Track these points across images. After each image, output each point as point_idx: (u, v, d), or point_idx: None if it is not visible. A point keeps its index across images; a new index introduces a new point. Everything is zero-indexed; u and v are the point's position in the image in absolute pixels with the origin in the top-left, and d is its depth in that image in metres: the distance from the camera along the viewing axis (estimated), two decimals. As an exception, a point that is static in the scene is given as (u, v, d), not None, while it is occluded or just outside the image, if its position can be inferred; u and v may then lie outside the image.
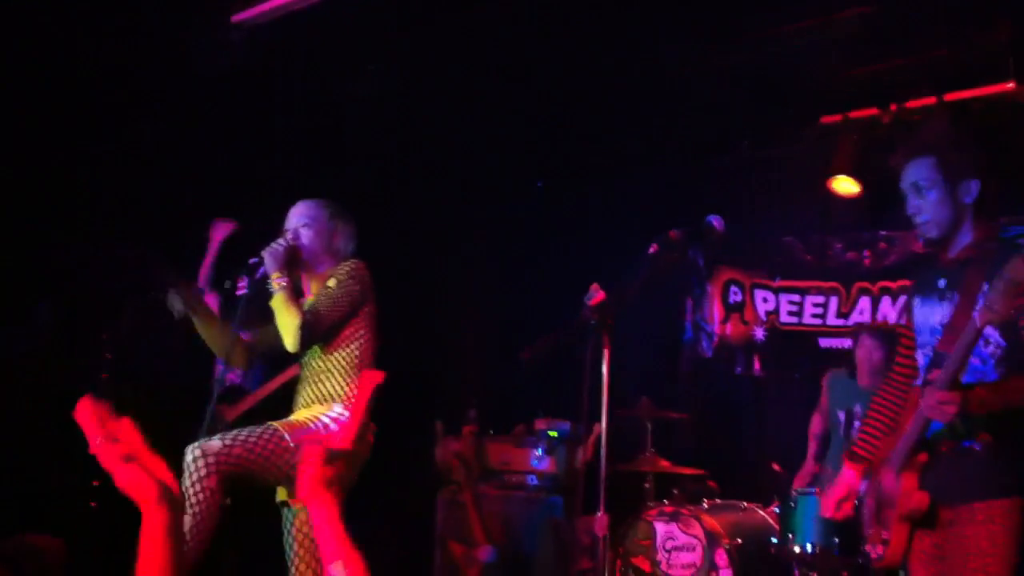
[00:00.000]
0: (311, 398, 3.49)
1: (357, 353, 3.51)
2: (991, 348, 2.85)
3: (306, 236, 3.58)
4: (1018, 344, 2.82)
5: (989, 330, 2.81)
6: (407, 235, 6.12)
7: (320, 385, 3.49)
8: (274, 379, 5.01)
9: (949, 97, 5.55)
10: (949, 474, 2.87)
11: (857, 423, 4.99)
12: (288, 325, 3.38)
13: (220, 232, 5.17)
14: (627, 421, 5.38)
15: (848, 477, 3.16)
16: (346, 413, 3.40)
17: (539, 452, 5.95)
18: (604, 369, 2.81)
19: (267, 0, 4.21)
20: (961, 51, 5.25)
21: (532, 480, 5.94)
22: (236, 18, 4.38)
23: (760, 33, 5.20)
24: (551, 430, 6.05)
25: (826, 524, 4.53)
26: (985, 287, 2.79)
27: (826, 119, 6.02)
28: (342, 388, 3.46)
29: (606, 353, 2.78)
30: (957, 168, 2.92)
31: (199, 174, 5.45)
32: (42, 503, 4.85)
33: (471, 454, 6.01)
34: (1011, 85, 5.30)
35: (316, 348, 3.51)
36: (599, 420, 3.11)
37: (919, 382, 2.97)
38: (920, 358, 3.02)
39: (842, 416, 5.20)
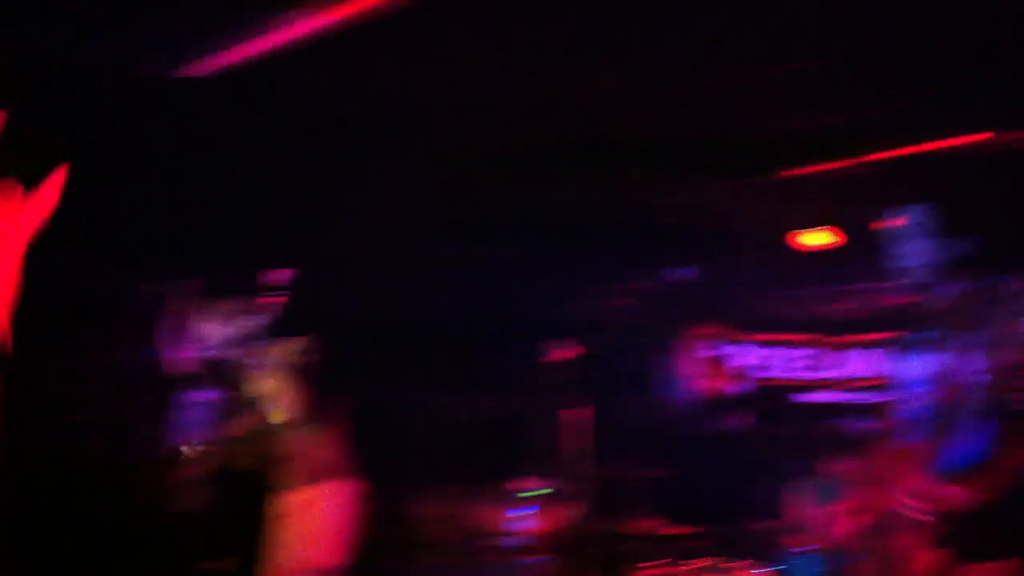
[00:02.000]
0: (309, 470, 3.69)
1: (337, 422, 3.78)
2: None
3: None
4: None
5: None
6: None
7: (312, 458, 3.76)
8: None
9: (913, 149, 5.61)
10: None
11: None
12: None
13: None
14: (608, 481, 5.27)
15: None
16: None
17: (515, 513, 5.80)
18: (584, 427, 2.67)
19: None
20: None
21: (509, 542, 5.78)
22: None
23: (718, 80, 5.17)
24: (526, 490, 5.91)
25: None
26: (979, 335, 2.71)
27: (790, 171, 6.03)
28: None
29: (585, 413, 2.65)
30: (952, 220, 2.90)
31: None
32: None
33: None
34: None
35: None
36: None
37: (911, 436, 2.85)
38: (901, 411, 2.92)
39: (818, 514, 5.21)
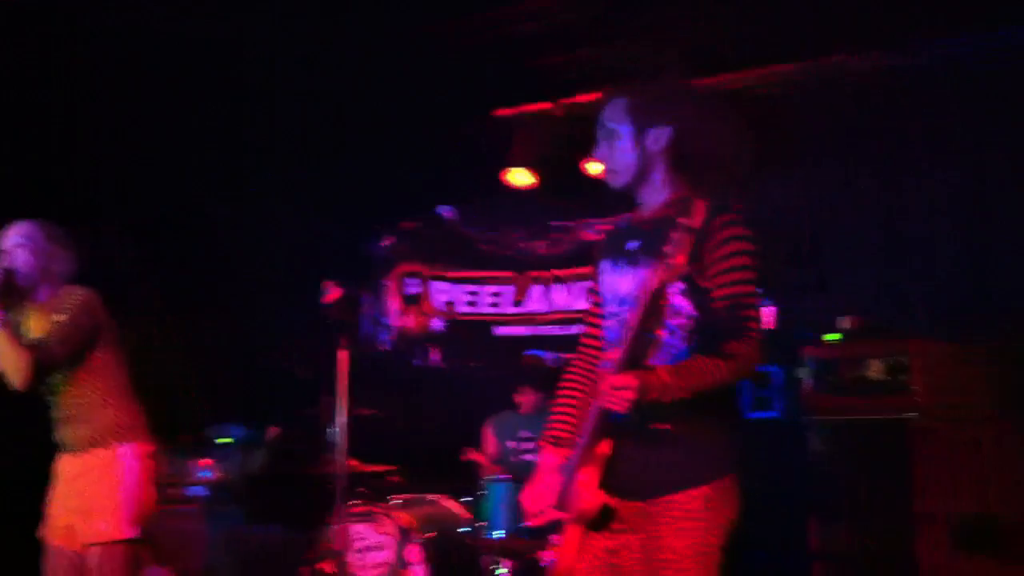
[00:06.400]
0: (94, 433, 3.29)
1: (116, 381, 3.35)
2: (680, 319, 2.44)
3: (22, 258, 3.28)
4: (709, 314, 2.41)
5: (679, 299, 2.43)
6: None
7: (95, 420, 3.29)
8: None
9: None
10: (635, 464, 2.43)
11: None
12: (13, 363, 3.12)
13: None
14: (311, 422, 5.14)
15: (548, 465, 2.60)
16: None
17: (210, 461, 5.56)
18: (341, 370, 2.56)
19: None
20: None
21: (202, 491, 5.54)
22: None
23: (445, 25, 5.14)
24: (222, 436, 5.71)
25: (517, 509, 4.56)
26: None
27: (500, 111, 6.09)
28: (123, 418, 3.34)
29: (342, 354, 2.53)
30: (647, 111, 2.50)
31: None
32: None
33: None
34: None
35: (67, 384, 3.29)
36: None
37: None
38: (608, 332, 2.58)
39: (512, 445, 5.56)
